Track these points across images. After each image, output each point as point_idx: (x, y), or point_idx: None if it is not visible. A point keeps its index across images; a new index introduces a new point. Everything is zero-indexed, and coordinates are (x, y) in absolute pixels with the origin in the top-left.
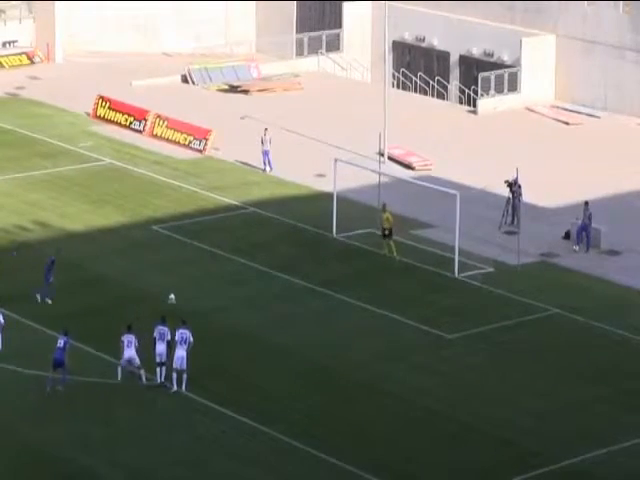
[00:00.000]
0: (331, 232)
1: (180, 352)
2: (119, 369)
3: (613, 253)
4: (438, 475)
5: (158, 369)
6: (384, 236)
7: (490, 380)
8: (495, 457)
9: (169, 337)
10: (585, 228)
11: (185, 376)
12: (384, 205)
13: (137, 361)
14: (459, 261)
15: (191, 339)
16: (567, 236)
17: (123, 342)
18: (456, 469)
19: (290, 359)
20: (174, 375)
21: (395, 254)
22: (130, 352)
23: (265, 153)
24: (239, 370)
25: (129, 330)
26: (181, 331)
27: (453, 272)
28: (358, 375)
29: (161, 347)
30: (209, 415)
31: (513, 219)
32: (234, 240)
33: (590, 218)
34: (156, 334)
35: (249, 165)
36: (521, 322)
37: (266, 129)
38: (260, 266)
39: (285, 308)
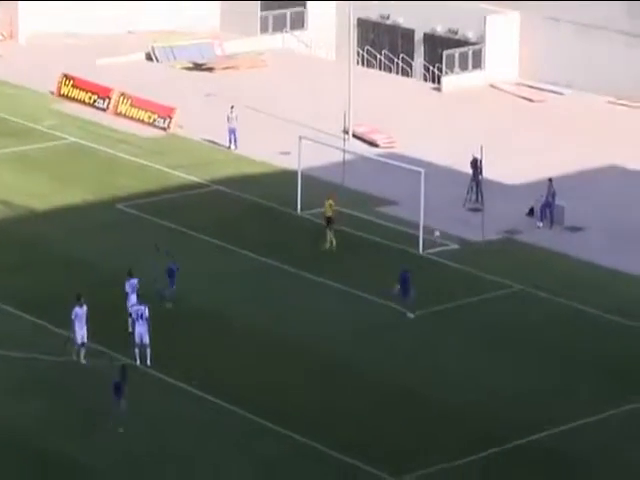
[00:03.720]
0: (296, 209)
1: (139, 328)
2: (74, 351)
3: (576, 230)
4: (405, 453)
5: (137, 350)
6: (327, 224)
7: (455, 357)
8: (462, 434)
9: (147, 314)
10: (548, 205)
11: (149, 350)
12: (331, 192)
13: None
14: (424, 238)
15: (147, 314)
16: (531, 213)
17: (74, 317)
18: (423, 447)
19: (256, 337)
20: (136, 351)
21: (330, 245)
22: (82, 329)
23: (231, 131)
24: (205, 349)
25: (78, 301)
26: (136, 307)
27: (418, 249)
28: (323, 352)
29: (140, 327)
30: (176, 394)
31: (477, 196)
32: (199, 218)
33: (554, 195)
34: (132, 313)
35: (214, 143)
36: (486, 299)
37: (232, 107)
38: (225, 244)
39: (250, 286)
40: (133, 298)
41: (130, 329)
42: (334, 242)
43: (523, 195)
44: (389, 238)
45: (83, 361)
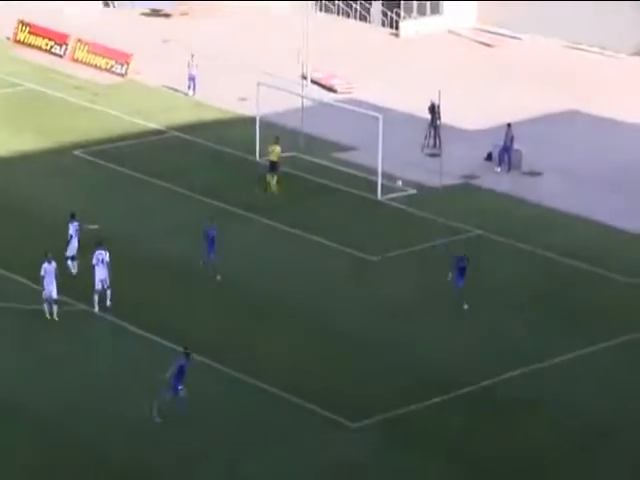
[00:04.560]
0: (254, 156)
1: (100, 273)
2: (45, 305)
3: (534, 174)
4: (359, 396)
5: (96, 296)
6: (270, 169)
7: (414, 301)
8: (415, 378)
9: (107, 259)
10: (507, 150)
11: (109, 292)
12: (277, 138)
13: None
14: (382, 184)
15: (107, 259)
16: (489, 158)
17: (43, 273)
18: (377, 393)
19: (214, 285)
20: (95, 298)
21: (274, 190)
22: (51, 284)
23: (191, 78)
24: (163, 297)
25: (46, 257)
26: (97, 252)
27: (376, 195)
28: (282, 300)
29: (100, 273)
30: (133, 340)
31: (435, 141)
32: (157, 165)
33: (512, 140)
34: (93, 258)
35: (172, 89)
36: (445, 244)
37: (193, 55)
38: (184, 190)
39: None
40: (75, 242)
41: (72, 271)
42: (275, 187)
43: (481, 140)
44: (347, 184)
45: (56, 318)
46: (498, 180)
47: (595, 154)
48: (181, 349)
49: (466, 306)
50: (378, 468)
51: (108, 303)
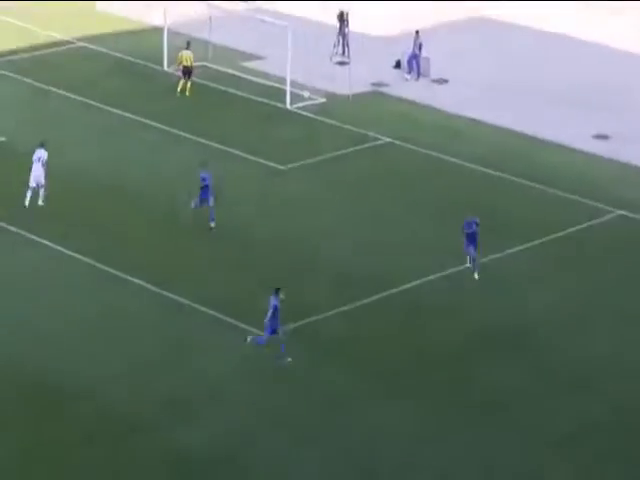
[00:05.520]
0: (162, 66)
1: (36, 171)
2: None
3: (442, 81)
4: (261, 311)
5: (29, 193)
6: (183, 74)
7: (325, 210)
8: (326, 289)
9: (45, 159)
10: (415, 57)
11: (42, 191)
12: (188, 43)
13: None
14: (291, 92)
15: (45, 158)
16: (398, 65)
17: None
18: (287, 300)
19: (123, 192)
20: (28, 193)
21: (188, 94)
22: (38, 170)
23: None
24: (73, 207)
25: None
26: (38, 151)
27: (285, 103)
28: (188, 212)
29: (37, 170)
30: (44, 250)
31: (344, 50)
32: (63, 75)
33: (420, 47)
34: (33, 157)
35: None
36: (355, 152)
37: None
38: (91, 101)
39: (118, 143)
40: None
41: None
42: (189, 91)
43: (390, 48)
44: (256, 93)
45: (41, 203)
46: (407, 88)
47: (501, 61)
48: None
49: (477, 276)
50: (296, 376)
51: (40, 202)
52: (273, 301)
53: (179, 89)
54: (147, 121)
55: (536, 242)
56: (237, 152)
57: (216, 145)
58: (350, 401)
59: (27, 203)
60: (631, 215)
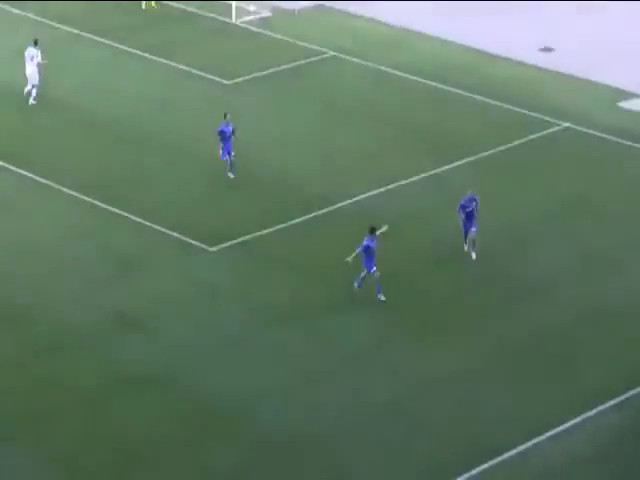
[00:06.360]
0: None
1: (29, 69)
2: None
3: None
4: (216, 223)
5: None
6: None
7: (272, 124)
8: (271, 202)
9: (39, 59)
10: None
11: (34, 90)
12: None
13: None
14: (237, 6)
15: (39, 59)
16: None
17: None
18: (234, 218)
19: (68, 109)
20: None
21: (154, 6)
22: (30, 68)
23: None
24: (14, 124)
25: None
26: (30, 49)
27: (231, 17)
28: (138, 126)
29: (30, 69)
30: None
31: None
32: None
33: None
34: (25, 55)
35: None
36: (300, 65)
37: None
38: (38, 18)
39: (59, 59)
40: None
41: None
42: (155, 5)
43: None
44: (202, 7)
45: (32, 102)
46: (353, 2)
47: None
48: None
49: (474, 256)
50: (236, 286)
51: (32, 101)
52: (367, 241)
53: (144, 6)
54: (93, 36)
55: (482, 155)
56: (183, 67)
57: (161, 60)
58: (292, 314)
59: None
60: (577, 127)
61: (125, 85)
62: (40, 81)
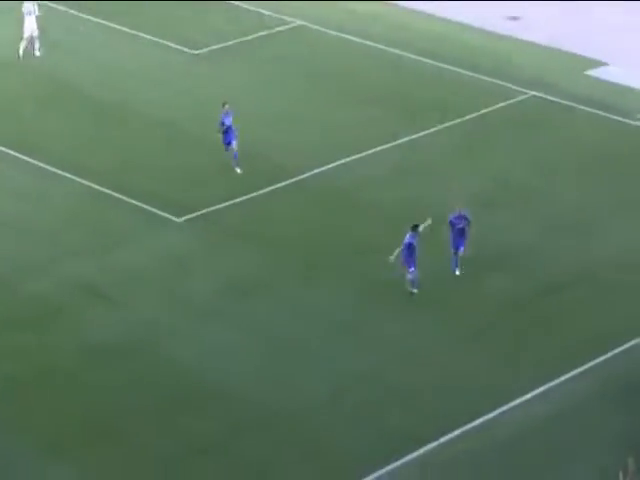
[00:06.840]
0: None
1: (29, 23)
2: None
3: None
4: (184, 194)
5: (23, 43)
6: None
7: (239, 94)
8: (248, 169)
9: (37, 12)
10: None
11: (37, 41)
12: None
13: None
14: None
15: (37, 12)
16: None
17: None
18: (202, 189)
19: (27, 72)
20: (22, 44)
21: None
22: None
23: None
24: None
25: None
26: (26, 5)
27: None
28: (122, 104)
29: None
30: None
31: None
32: None
33: None
34: (23, 11)
35: None
36: (269, 35)
37: None
38: None
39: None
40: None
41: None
42: None
43: None
44: None
45: (38, 53)
46: None
47: None
48: None
49: (458, 272)
50: (205, 256)
51: (37, 53)
52: (409, 239)
53: None
54: (59, 7)
55: (450, 123)
56: (148, 36)
57: (126, 29)
58: (262, 285)
59: (21, 53)
60: (544, 96)
61: (88, 50)
62: (40, 34)
